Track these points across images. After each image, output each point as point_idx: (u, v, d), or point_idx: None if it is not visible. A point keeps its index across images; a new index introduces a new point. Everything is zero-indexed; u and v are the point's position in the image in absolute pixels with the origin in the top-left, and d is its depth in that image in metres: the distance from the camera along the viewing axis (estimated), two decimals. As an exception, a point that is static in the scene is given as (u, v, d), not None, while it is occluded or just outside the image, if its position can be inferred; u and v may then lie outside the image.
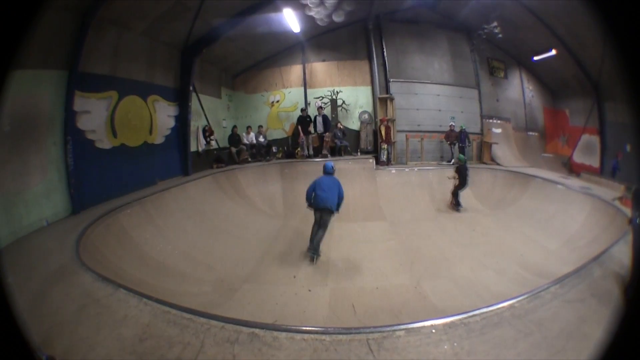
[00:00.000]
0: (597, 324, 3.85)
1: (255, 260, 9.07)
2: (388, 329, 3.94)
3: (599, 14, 1.38)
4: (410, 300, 6.97)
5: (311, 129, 17.54)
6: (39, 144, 8.40)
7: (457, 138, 17.44)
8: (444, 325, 3.93)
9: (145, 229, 8.92)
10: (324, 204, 8.72)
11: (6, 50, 1.46)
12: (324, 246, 9.11)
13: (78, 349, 3.81)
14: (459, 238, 10.74)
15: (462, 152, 17.07)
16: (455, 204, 14.15)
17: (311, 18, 15.29)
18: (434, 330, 3.86)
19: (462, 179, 14.05)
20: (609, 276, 5.14)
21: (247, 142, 17.33)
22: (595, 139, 17.74)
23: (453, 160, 17.19)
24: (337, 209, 9.02)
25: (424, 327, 3.92)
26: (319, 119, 17.57)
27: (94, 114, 10.04)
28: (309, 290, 7.33)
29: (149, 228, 9.02)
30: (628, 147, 14.97)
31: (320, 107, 18.14)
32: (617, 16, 1.32)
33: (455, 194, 14.22)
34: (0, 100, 1.62)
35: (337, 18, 14.90)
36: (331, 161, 11.62)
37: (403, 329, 3.89)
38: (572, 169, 18.41)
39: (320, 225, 8.87)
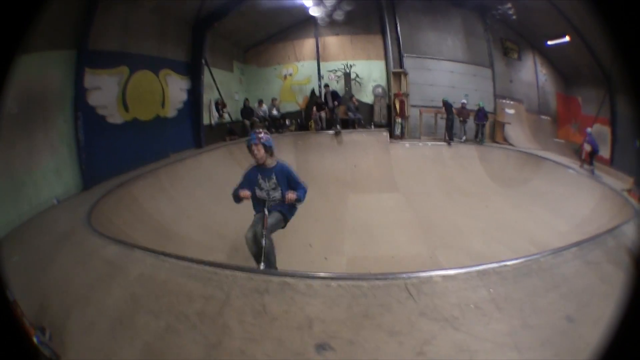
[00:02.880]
0: (615, 287, 3.66)
1: (270, 229, 8.98)
2: (425, 274, 3.88)
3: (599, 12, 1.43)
4: (426, 269, 6.89)
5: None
6: (48, 122, 8.39)
7: (468, 116, 17.22)
8: (478, 272, 3.87)
9: (159, 199, 8.93)
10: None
11: (12, 35, 1.45)
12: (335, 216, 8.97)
13: (85, 314, 3.77)
14: (471, 212, 10.72)
15: (481, 130, 17.02)
16: (448, 138, 16.65)
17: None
18: (469, 277, 3.82)
19: (448, 114, 16.74)
20: (621, 248, 5.10)
21: (261, 115, 17.24)
22: (606, 130, 17.26)
23: (464, 137, 17.08)
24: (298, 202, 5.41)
25: (459, 273, 3.89)
26: (329, 97, 17.38)
27: (104, 90, 10.05)
28: (325, 259, 7.30)
29: (162, 198, 9.03)
30: (637, 142, 14.63)
31: (327, 85, 17.94)
32: (616, 13, 1.35)
33: (448, 128, 16.76)
34: (6, 85, 1.62)
35: (338, 18, 14.80)
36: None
37: (440, 275, 3.85)
38: (582, 156, 18.15)
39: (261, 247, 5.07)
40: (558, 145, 18.76)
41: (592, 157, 14.49)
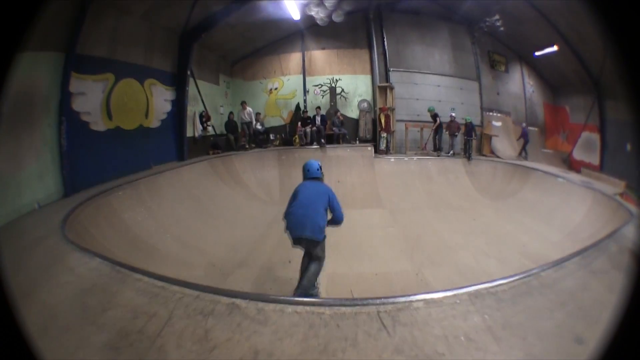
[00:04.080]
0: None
1: (249, 245, 8.80)
2: (402, 299, 3.37)
3: (598, 11, 1.38)
4: (412, 287, 6.65)
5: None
6: (34, 124, 8.23)
7: (458, 129, 17.13)
8: (469, 294, 3.43)
9: (137, 211, 8.69)
10: (300, 231, 5.35)
11: (13, 32, 1.47)
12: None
13: (39, 317, 3.52)
14: (459, 227, 10.53)
15: (469, 145, 16.89)
16: (438, 149, 17.08)
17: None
18: (458, 301, 3.35)
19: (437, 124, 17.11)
20: (624, 252, 4.93)
21: (244, 121, 16.87)
22: (595, 137, 17.74)
23: (451, 152, 17.03)
24: (337, 221, 5.81)
25: (446, 297, 3.41)
26: (318, 118, 17.31)
27: (89, 95, 9.84)
28: (304, 276, 7.08)
29: (140, 211, 8.79)
30: (628, 146, 15.01)
31: (318, 108, 17.85)
32: (616, 13, 1.31)
33: (435, 138, 17.19)
34: (7, 83, 1.65)
35: (337, 18, 14.70)
36: (317, 160, 6.41)
37: (421, 300, 3.35)
38: (572, 165, 18.51)
39: (312, 258, 5.70)
40: (546, 156, 19.14)
41: (525, 147, 18.26)
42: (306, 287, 5.47)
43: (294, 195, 5.73)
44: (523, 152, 18.06)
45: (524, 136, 18.40)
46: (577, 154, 18.77)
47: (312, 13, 13.88)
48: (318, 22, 14.34)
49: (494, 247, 8.89)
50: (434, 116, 17.05)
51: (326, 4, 13.56)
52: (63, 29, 8.70)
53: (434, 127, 17.10)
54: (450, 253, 8.60)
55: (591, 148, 17.79)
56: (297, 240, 5.46)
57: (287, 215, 5.50)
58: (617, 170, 14.40)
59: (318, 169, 6.08)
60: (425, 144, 16.97)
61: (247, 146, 16.53)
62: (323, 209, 5.53)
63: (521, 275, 3.91)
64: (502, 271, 7.27)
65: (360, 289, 6.51)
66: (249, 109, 17.03)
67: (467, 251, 8.67)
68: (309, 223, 5.31)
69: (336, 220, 5.73)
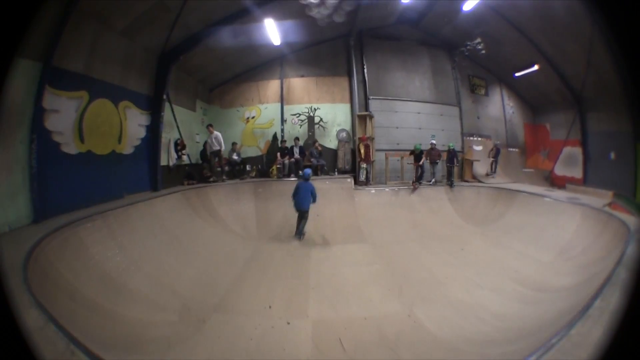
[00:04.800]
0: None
1: (226, 286, 8.23)
2: None
3: (598, 15, 1.37)
4: (405, 330, 6.21)
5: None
6: (6, 138, 7.70)
7: (439, 157, 17.12)
8: None
9: (107, 246, 8.04)
10: (299, 207, 11.80)
11: (10, 38, 1.58)
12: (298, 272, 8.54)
13: None
14: (447, 258, 10.21)
15: (451, 172, 16.91)
16: (417, 180, 16.67)
17: (292, 31, 15.22)
18: None
19: (417, 161, 16.83)
20: (634, 277, 4.62)
21: (211, 149, 16.06)
22: (577, 151, 18.18)
23: (433, 180, 16.94)
24: (314, 201, 11.90)
25: None
26: (296, 149, 17.33)
27: (63, 113, 9.28)
28: (288, 323, 6.48)
29: (111, 245, 8.14)
30: (612, 155, 15.51)
31: (297, 138, 17.78)
32: (616, 17, 1.34)
33: (418, 175, 16.75)
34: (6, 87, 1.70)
35: (338, 18, 14.49)
36: (309, 169, 12.89)
37: None
38: (554, 182, 18.91)
39: (302, 218, 11.92)
40: (527, 175, 19.55)
41: (495, 163, 19.07)
42: (301, 231, 11.83)
43: (297, 189, 11.80)
44: (492, 168, 18.82)
45: (497, 150, 19.12)
46: (559, 170, 19.23)
47: (312, 13, 13.63)
48: (318, 23, 14.09)
49: (485, 277, 8.61)
50: (419, 154, 16.85)
51: (327, 4, 13.32)
52: (41, 36, 8.24)
53: (417, 164, 16.84)
54: (441, 288, 8.19)
55: (573, 162, 18.29)
56: (299, 210, 11.85)
57: (295, 198, 11.79)
58: (602, 181, 14.87)
59: (309, 174, 12.05)
60: (414, 182, 16.68)
61: (212, 179, 15.84)
62: (310, 196, 11.76)
63: (554, 339, 3.59)
64: (497, 302, 7.14)
65: (350, 337, 5.95)
66: (216, 133, 16.11)
67: (459, 284, 8.31)
68: (305, 203, 11.71)
69: (314, 200, 11.87)
